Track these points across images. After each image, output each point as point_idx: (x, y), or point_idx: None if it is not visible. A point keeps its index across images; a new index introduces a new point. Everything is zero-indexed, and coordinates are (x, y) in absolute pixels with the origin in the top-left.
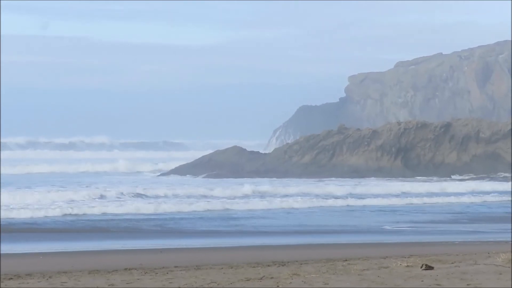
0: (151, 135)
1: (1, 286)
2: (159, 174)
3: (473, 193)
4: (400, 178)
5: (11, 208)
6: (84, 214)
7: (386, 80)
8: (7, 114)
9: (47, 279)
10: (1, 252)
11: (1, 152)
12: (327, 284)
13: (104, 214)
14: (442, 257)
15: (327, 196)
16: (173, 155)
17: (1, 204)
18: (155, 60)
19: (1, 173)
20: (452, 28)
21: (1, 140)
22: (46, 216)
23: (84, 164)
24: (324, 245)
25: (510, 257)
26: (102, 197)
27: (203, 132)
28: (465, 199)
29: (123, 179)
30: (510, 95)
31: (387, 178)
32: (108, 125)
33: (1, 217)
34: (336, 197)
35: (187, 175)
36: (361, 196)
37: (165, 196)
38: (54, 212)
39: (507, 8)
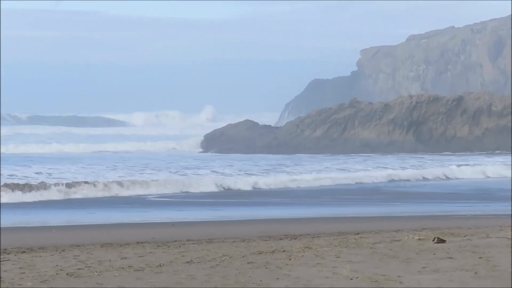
0: (162, 108)
1: (13, 259)
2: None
3: None
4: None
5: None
6: None
7: (398, 54)
8: (15, 89)
9: (60, 252)
10: (15, 225)
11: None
12: (339, 257)
13: None
14: (454, 230)
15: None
16: (185, 130)
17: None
18: (167, 34)
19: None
20: (465, 1)
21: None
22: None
23: (103, 144)
24: (336, 218)
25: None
26: None
27: (215, 106)
28: None
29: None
30: None
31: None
32: (119, 100)
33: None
34: None
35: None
36: None
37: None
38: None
39: None
